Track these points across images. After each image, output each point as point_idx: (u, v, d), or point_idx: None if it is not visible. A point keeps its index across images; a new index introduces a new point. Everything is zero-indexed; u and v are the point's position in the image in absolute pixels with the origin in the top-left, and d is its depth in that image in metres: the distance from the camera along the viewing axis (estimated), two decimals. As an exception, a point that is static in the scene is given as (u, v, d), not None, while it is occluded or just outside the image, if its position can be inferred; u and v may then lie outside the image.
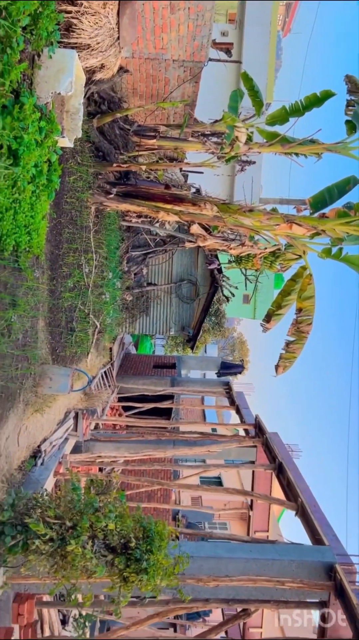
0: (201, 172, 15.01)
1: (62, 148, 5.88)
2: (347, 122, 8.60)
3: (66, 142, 5.61)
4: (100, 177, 8.19)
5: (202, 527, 18.10)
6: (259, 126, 9.11)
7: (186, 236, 10.09)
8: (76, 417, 9.45)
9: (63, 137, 5.52)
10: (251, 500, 11.65)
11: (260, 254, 8.78)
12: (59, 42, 5.36)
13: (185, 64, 7.71)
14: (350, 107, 8.66)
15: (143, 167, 8.32)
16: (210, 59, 7.84)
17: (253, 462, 10.46)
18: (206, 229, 9.07)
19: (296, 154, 9.23)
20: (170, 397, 15.44)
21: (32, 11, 4.25)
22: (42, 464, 7.51)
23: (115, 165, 8.10)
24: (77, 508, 4.94)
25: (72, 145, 5.78)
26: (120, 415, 15.21)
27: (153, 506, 12.67)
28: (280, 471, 8.63)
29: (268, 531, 11.99)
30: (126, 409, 15.40)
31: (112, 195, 8.10)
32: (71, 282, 6.82)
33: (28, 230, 4.87)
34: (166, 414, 15.61)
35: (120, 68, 7.82)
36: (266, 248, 8.65)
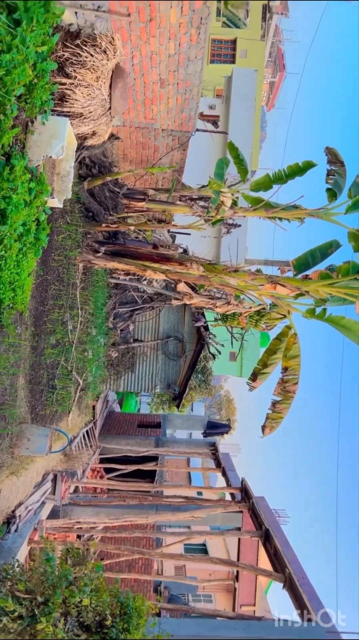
0: (189, 234, 15.41)
1: (51, 208, 6.01)
2: (328, 189, 8.98)
3: (56, 202, 5.74)
4: (89, 236, 8.34)
5: (186, 600, 17.05)
6: (244, 192, 9.48)
7: (173, 294, 10.18)
8: (54, 479, 9.06)
9: (53, 197, 5.65)
10: (237, 571, 11.07)
11: (245, 312, 8.86)
12: (52, 110, 5.61)
13: (173, 133, 8.09)
14: (330, 176, 9.07)
15: (132, 228, 8.52)
16: (198, 129, 8.25)
17: (239, 529, 10.02)
18: (192, 288, 9.18)
19: (280, 219, 9.54)
20: (154, 458, 14.99)
21: (27, 82, 4.46)
22: (15, 530, 7.10)
23: (104, 225, 8.27)
24: (49, 581, 4.61)
25: (61, 206, 5.91)
26: (101, 477, 14.65)
27: (134, 577, 11.94)
28: (266, 539, 8.25)
29: (254, 605, 11.33)
30: (108, 470, 14.87)
31: (100, 254, 8.22)
32: (54, 338, 6.76)
33: (13, 286, 4.86)
34: (150, 476, 15.09)
35: (112, 135, 8.16)
36: (251, 307, 8.74)
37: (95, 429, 13.57)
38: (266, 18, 39.65)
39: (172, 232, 14.20)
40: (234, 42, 34.00)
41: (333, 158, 9.12)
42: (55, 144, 5.41)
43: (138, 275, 12.57)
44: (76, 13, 5.56)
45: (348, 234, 8.27)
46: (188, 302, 8.59)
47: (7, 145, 4.05)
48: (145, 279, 12.73)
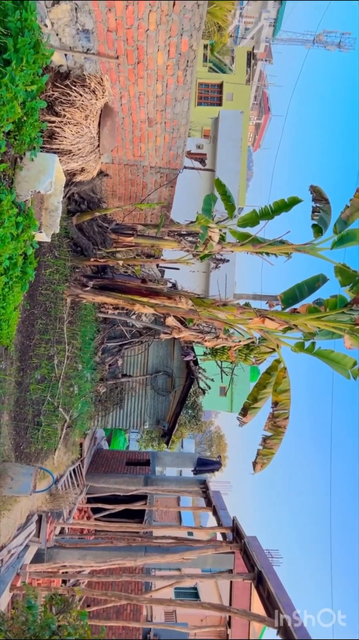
0: (178, 269, 15.53)
1: (39, 242, 6.01)
2: (314, 225, 9.14)
3: (43, 237, 5.75)
4: (77, 270, 8.34)
5: (176, 649, 16.24)
6: (232, 227, 9.62)
7: (162, 328, 10.15)
8: (39, 520, 8.72)
9: (41, 232, 5.66)
10: (229, 616, 10.62)
11: (235, 346, 8.82)
12: (41, 147, 5.69)
13: (161, 170, 8.24)
14: (316, 213, 9.25)
15: (121, 262, 8.55)
16: (185, 167, 8.42)
17: (231, 571, 9.66)
18: (181, 322, 9.16)
19: (267, 254, 9.65)
20: (143, 497, 14.59)
21: (15, 119, 4.53)
22: (-3, 576, 6.78)
23: (92, 259, 8.29)
24: (31, 631, 4.36)
25: (49, 240, 5.91)
26: (88, 518, 14.17)
27: (122, 624, 11.38)
28: (259, 581, 7.94)
29: (248, 653, 10.82)
30: (95, 510, 14.40)
31: (88, 288, 8.20)
32: (40, 373, 6.64)
33: (-2, 320, 4.80)
34: (139, 516, 14.62)
35: (100, 172, 8.29)
36: (240, 341, 8.71)
37: (83, 467, 13.21)
38: (251, 64, 41.40)
39: (161, 267, 14.30)
40: (220, 85, 35.29)
41: (318, 196, 9.32)
42: (43, 179, 5.46)
43: (127, 310, 12.57)
44: (66, 55, 5.74)
45: (335, 269, 8.36)
46: (177, 336, 8.54)
47: (-6, 180, 4.07)
48: (134, 314, 12.72)
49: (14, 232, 4.47)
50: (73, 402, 8.45)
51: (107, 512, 13.70)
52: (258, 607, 9.73)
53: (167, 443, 14.89)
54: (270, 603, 7.39)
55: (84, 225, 8.59)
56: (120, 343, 12.88)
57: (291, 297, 8.74)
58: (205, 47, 37.55)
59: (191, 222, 9.88)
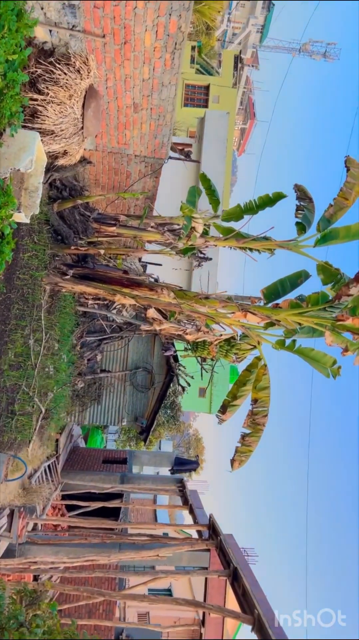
0: (160, 264, 15.39)
1: (18, 224, 5.82)
2: (297, 223, 9.13)
3: (22, 217, 5.56)
4: (57, 258, 8.15)
5: (149, 650, 16.03)
6: (215, 222, 9.54)
7: (143, 322, 10.00)
8: (11, 515, 8.48)
9: (20, 212, 5.48)
10: (203, 615, 10.49)
11: (216, 340, 8.73)
12: (23, 126, 5.51)
13: (146, 159, 8.12)
14: (299, 211, 9.24)
15: (102, 251, 8.38)
16: (170, 157, 8.31)
17: (206, 569, 9.55)
18: (163, 315, 9.02)
19: (251, 249, 9.61)
20: (119, 495, 14.38)
21: (-5, 89, 4.36)
22: (-36, 570, 6.54)
23: (73, 247, 8.11)
24: (-3, 623, 4.16)
25: (28, 221, 5.73)
26: (62, 515, 13.90)
27: (94, 623, 11.17)
28: (234, 578, 7.84)
29: (222, 653, 10.71)
30: (70, 508, 14.13)
31: (68, 277, 8.01)
32: (16, 360, 6.43)
33: (-29, 299, 4.60)
34: (114, 515, 14.41)
35: (84, 159, 8.12)
36: (221, 335, 8.63)
37: (58, 463, 12.96)
38: (238, 68, 41.63)
39: (143, 262, 14.15)
40: (207, 87, 35.38)
41: (302, 194, 9.32)
42: (23, 157, 5.29)
43: (107, 303, 12.37)
44: (50, 31, 5.58)
45: (317, 267, 8.34)
46: (158, 328, 8.41)
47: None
48: (115, 308, 12.53)
49: (-9, 206, 4.29)
50: (49, 389, 8.24)
51: (82, 510, 13.46)
52: (232, 606, 9.62)
53: (145, 441, 14.71)
54: (245, 600, 7.30)
55: (65, 213, 8.40)
56: (100, 338, 12.67)
57: (274, 292, 8.70)
58: (193, 48, 37.63)
59: (174, 217, 9.80)
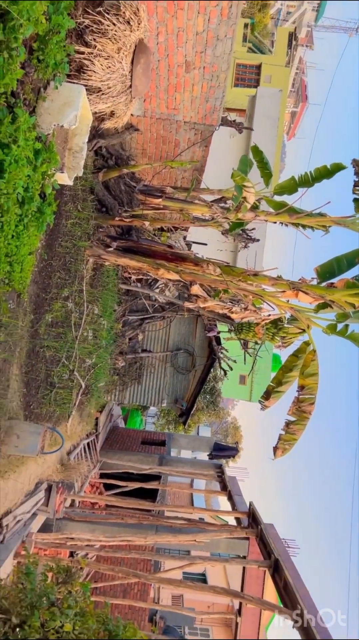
0: (205, 244, 14.95)
1: (61, 186, 5.55)
2: (355, 200, 8.47)
3: (65, 178, 5.27)
4: (100, 230, 7.88)
5: (182, 632, 15.97)
6: (267, 196, 9.00)
7: (187, 300, 9.64)
8: (49, 490, 8.39)
9: (63, 172, 5.18)
10: (240, 605, 10.18)
11: (263, 321, 8.25)
12: (67, 81, 5.19)
13: (196, 126, 7.67)
14: (357, 187, 8.57)
15: (147, 223, 8.03)
16: (222, 124, 7.83)
17: (244, 558, 9.21)
18: (207, 293, 8.64)
19: (304, 226, 9.04)
20: (157, 477, 14.23)
21: (40, 32, 4.03)
22: (1, 541, 6.45)
23: (117, 219, 7.81)
24: (28, 600, 3.96)
25: (71, 183, 5.44)
26: (100, 493, 13.89)
27: (128, 603, 11.08)
28: (275, 570, 7.45)
29: (257, 644, 10.39)
30: (108, 487, 14.11)
31: (111, 249, 7.73)
32: (57, 331, 6.21)
33: (10, 260, 4.35)
34: (151, 496, 14.28)
35: (131, 126, 7.77)
36: (269, 315, 8.15)
37: (97, 442, 12.89)
38: (291, 46, 40.12)
39: (188, 241, 13.75)
40: (259, 67, 34.28)
41: (361, 169, 8.63)
42: (68, 112, 4.97)
43: (150, 282, 12.08)
44: (100, -23, 5.21)
45: (375, 246, 7.70)
46: (202, 305, 8.03)
47: (9, 92, 3.59)
48: (158, 287, 12.23)
49: (31, 157, 4.00)
50: (90, 368, 8.03)
51: (119, 490, 13.39)
52: (270, 597, 9.26)
53: (184, 423, 14.45)
54: (286, 593, 6.91)
55: (111, 183, 8.10)
56: (142, 317, 12.42)
57: (329, 271, 8.11)
58: (246, 26, 36.46)
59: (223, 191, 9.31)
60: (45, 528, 8.59)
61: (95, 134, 7.17)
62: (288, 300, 8.41)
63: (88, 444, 11.61)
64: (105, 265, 8.52)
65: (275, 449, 8.56)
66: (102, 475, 13.38)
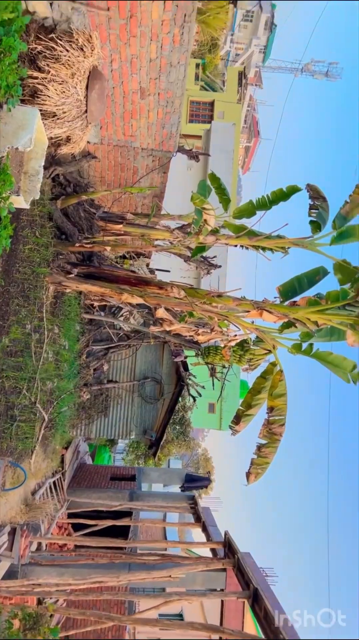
0: (168, 271, 14.98)
1: (18, 210, 5.42)
2: (312, 222, 8.69)
3: (21, 201, 5.15)
4: (60, 256, 7.73)
5: None
6: (226, 220, 9.12)
7: (152, 324, 9.52)
8: (12, 533, 7.90)
9: (19, 195, 5.07)
10: (220, 639, 9.71)
11: (230, 341, 8.21)
12: (22, 105, 5.14)
13: (154, 152, 7.74)
14: (313, 210, 8.81)
15: (108, 248, 7.95)
16: (178, 151, 7.94)
17: (222, 590, 8.85)
18: (173, 316, 8.56)
19: (263, 248, 9.17)
20: (128, 513, 13.70)
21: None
22: None
23: (77, 245, 7.70)
24: (-10, 651, 3.61)
25: (28, 207, 5.32)
26: (69, 534, 13.22)
27: (102, 652, 10.42)
28: (255, 600, 7.18)
29: None
30: (76, 528, 13.45)
31: (72, 275, 7.57)
32: (15, 360, 5.95)
33: None
34: (123, 534, 13.70)
35: (88, 153, 7.77)
36: (236, 335, 8.12)
37: (64, 480, 12.35)
38: (242, 83, 41.89)
39: (151, 268, 13.74)
40: (212, 104, 35.54)
41: (315, 194, 8.88)
42: (22, 135, 4.90)
43: (114, 310, 11.92)
44: (51, 4, 5.25)
45: (334, 266, 7.85)
46: (168, 329, 7.92)
47: None
48: (122, 315, 12.07)
49: (-16, 177, 3.87)
50: (53, 400, 7.73)
51: (89, 530, 12.79)
52: (250, 629, 8.89)
53: (154, 455, 14.09)
54: (267, 623, 6.64)
55: (70, 210, 8.01)
56: (107, 346, 12.18)
57: (290, 290, 8.20)
58: (197, 66, 37.91)
59: (182, 216, 9.39)
60: (10, 575, 8.03)
61: (52, 161, 7.12)
62: (252, 321, 8.43)
63: (54, 482, 11.09)
64: (67, 294, 8.34)
65: (248, 474, 8.37)
66: (70, 515, 12.78)
